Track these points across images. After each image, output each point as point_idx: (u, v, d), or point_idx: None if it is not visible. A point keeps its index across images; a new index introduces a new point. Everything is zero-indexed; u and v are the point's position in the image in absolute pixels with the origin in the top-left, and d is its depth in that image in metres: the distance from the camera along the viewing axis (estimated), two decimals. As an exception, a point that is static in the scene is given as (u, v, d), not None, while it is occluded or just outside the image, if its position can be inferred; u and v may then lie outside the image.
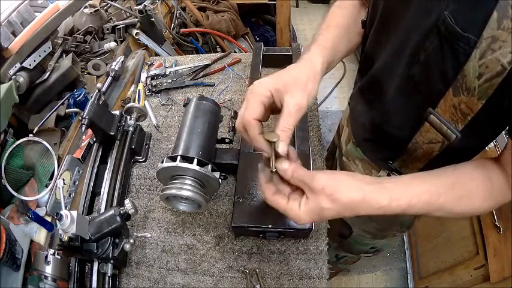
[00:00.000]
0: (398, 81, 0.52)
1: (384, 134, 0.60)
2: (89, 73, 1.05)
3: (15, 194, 0.72)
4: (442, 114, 0.46)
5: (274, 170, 0.47)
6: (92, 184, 0.77)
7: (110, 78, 0.91)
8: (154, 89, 0.99)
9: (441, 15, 0.41)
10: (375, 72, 0.59)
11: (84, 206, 0.74)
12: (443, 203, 0.46)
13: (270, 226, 0.64)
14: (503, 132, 0.48)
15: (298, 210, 0.45)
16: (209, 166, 0.64)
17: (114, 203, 0.72)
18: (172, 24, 1.57)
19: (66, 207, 0.67)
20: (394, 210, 0.45)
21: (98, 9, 1.16)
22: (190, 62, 1.08)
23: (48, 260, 0.59)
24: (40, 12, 0.89)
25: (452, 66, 0.42)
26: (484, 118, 0.44)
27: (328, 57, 0.56)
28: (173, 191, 0.61)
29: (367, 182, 0.46)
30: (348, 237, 0.96)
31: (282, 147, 0.45)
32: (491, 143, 0.93)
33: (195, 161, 0.63)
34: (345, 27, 0.62)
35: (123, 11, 1.26)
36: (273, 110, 0.50)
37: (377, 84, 0.59)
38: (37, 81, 0.90)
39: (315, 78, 0.50)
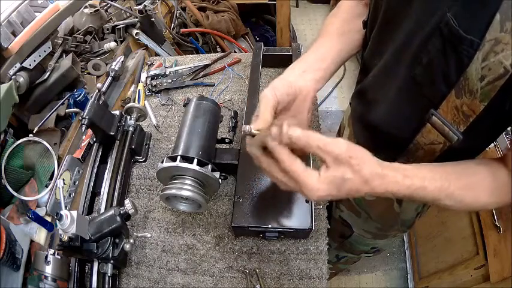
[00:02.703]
0: (400, 83, 0.52)
1: (385, 134, 0.60)
2: (89, 73, 1.05)
3: (15, 194, 0.72)
4: (443, 116, 0.46)
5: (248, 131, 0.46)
6: (92, 184, 0.77)
7: (110, 78, 0.91)
8: (154, 89, 0.99)
9: (444, 17, 0.40)
10: (376, 73, 0.59)
11: (84, 206, 0.74)
12: (453, 191, 0.46)
13: (270, 226, 0.64)
14: (504, 133, 0.48)
15: (318, 179, 0.43)
16: (209, 166, 0.64)
17: (114, 203, 0.72)
18: (172, 24, 1.57)
19: (66, 207, 0.67)
20: (406, 189, 0.45)
21: (98, 9, 1.16)
22: (190, 62, 1.08)
23: (48, 260, 0.59)
24: (40, 12, 0.89)
25: (455, 68, 0.42)
26: (486, 120, 0.44)
27: (306, 60, 0.60)
28: (173, 191, 0.61)
29: (380, 160, 0.46)
30: (348, 237, 0.96)
31: (294, 133, 0.45)
32: (491, 144, 0.93)
33: (195, 161, 0.63)
34: (334, 32, 0.64)
35: (123, 11, 1.26)
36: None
37: (378, 85, 0.59)
38: (37, 81, 0.90)
39: (285, 74, 0.57)
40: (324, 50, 0.61)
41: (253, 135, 0.48)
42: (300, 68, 0.58)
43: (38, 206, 0.76)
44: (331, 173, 0.43)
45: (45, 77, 0.91)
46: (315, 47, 0.62)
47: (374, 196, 0.47)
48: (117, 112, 0.82)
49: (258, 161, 0.49)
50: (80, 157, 0.82)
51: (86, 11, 1.14)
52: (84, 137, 0.86)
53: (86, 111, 0.72)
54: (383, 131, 0.60)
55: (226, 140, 0.82)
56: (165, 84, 1.00)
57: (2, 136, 0.78)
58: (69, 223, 0.54)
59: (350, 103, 0.81)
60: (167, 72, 1.02)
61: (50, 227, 0.70)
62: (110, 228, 0.61)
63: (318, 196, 0.44)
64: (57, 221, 0.54)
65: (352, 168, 0.43)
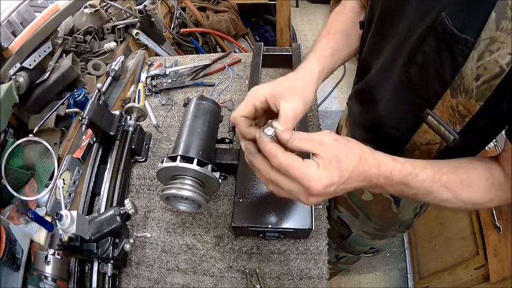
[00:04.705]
0: (395, 82, 0.52)
1: (382, 134, 0.60)
2: (89, 73, 1.05)
3: (15, 194, 0.72)
4: (439, 116, 0.46)
5: (272, 135, 0.44)
6: (92, 184, 0.76)
7: (110, 78, 0.91)
8: (154, 89, 0.99)
9: (438, 16, 0.40)
10: (372, 74, 0.59)
11: (84, 206, 0.74)
12: (447, 183, 0.46)
13: (270, 226, 0.64)
14: (503, 131, 0.48)
15: (318, 168, 0.40)
16: (209, 166, 0.64)
17: (114, 203, 0.72)
18: (172, 24, 1.57)
19: (66, 207, 0.67)
20: (398, 173, 0.44)
21: (98, 9, 1.16)
22: (190, 62, 1.08)
23: (48, 260, 0.59)
24: (40, 12, 0.89)
25: (450, 67, 0.42)
26: (482, 120, 0.44)
27: (326, 65, 0.57)
28: (173, 191, 0.61)
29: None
30: (347, 237, 0.96)
31: (278, 126, 0.45)
32: (491, 143, 0.93)
33: (195, 161, 0.63)
34: (344, 33, 0.62)
35: (123, 11, 1.26)
36: (270, 115, 0.51)
37: (375, 85, 0.59)
38: (37, 81, 0.90)
39: (311, 86, 0.53)
40: (331, 51, 0.60)
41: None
42: (317, 69, 0.56)
43: (38, 206, 0.76)
44: (325, 157, 0.41)
45: (45, 77, 0.91)
46: (325, 44, 0.60)
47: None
48: (117, 112, 0.82)
49: (253, 159, 0.46)
50: (80, 157, 0.82)
51: (86, 11, 1.14)
52: (84, 137, 0.86)
53: (86, 111, 0.71)
54: (380, 131, 0.60)
55: (226, 140, 0.82)
56: (165, 84, 1.00)
57: (2, 136, 0.78)
58: (69, 223, 0.54)
59: (347, 104, 0.81)
60: (167, 72, 1.03)
61: (50, 227, 0.70)
62: (110, 228, 0.61)
63: (322, 185, 0.40)
64: (57, 221, 0.54)
65: (343, 148, 0.42)
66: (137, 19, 1.21)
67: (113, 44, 1.08)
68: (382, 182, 0.45)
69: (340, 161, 0.41)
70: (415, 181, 0.45)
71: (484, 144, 0.55)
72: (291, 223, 0.64)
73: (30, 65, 0.86)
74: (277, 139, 0.44)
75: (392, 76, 0.52)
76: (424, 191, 0.46)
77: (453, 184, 0.46)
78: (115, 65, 0.93)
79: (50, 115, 0.86)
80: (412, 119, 0.50)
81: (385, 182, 0.45)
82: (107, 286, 0.62)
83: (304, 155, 0.43)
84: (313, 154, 0.42)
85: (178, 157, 0.63)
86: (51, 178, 0.78)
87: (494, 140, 0.87)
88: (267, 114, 0.52)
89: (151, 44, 1.25)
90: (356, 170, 0.43)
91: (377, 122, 0.60)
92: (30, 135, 0.80)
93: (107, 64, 1.07)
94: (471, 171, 0.48)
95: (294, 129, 0.48)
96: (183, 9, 1.69)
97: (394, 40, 0.50)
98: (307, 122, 0.83)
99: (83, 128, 0.71)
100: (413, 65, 0.46)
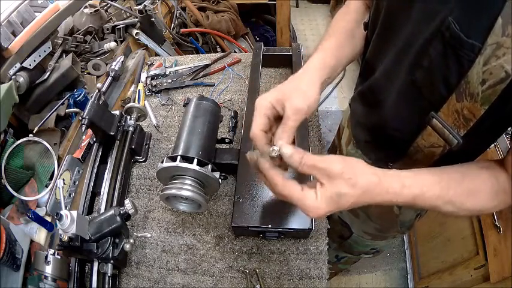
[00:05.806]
0: (400, 85, 0.52)
1: (385, 136, 0.60)
2: (89, 73, 1.05)
3: (15, 194, 0.72)
4: (444, 119, 0.46)
5: (277, 155, 0.44)
6: (92, 184, 0.77)
7: (110, 78, 0.91)
8: (154, 89, 0.99)
9: (445, 20, 0.40)
10: (376, 76, 0.59)
11: (84, 206, 0.74)
12: (453, 197, 0.46)
13: (270, 226, 0.64)
14: (504, 135, 0.48)
15: (316, 199, 0.42)
16: (209, 166, 0.64)
17: (114, 203, 0.72)
18: (172, 24, 1.57)
19: (66, 207, 0.67)
20: (405, 197, 0.44)
21: (98, 9, 1.16)
22: (190, 62, 1.08)
23: (48, 260, 0.59)
24: (40, 12, 0.90)
25: (456, 72, 0.42)
26: (486, 124, 0.44)
27: (329, 66, 0.57)
28: (173, 191, 0.61)
29: (377, 169, 0.45)
30: (347, 238, 0.96)
31: (286, 150, 0.44)
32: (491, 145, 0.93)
33: (195, 161, 0.63)
34: (348, 33, 0.62)
35: (123, 11, 1.26)
36: (278, 118, 0.51)
37: (379, 87, 0.59)
38: (37, 81, 0.90)
39: (314, 86, 0.52)
40: (335, 51, 0.59)
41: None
42: (323, 75, 0.55)
43: (38, 206, 0.76)
44: (327, 190, 0.42)
45: (45, 77, 0.91)
46: (329, 44, 0.59)
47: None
48: (117, 112, 0.82)
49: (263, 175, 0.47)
50: (80, 157, 0.82)
51: (86, 11, 1.14)
52: (84, 137, 0.86)
53: (86, 111, 0.71)
54: (383, 133, 0.60)
55: (226, 140, 0.82)
56: (165, 84, 1.00)
57: (2, 136, 0.78)
58: (69, 223, 0.54)
59: (349, 104, 0.81)
60: (167, 72, 1.03)
61: (50, 227, 0.70)
62: (110, 228, 0.61)
63: (318, 214, 0.43)
64: (57, 221, 0.54)
65: (347, 182, 0.42)
66: (137, 19, 1.21)
67: (113, 44, 1.08)
68: (388, 203, 0.46)
69: (340, 197, 0.42)
70: (421, 200, 0.46)
71: (485, 147, 0.55)
72: (291, 223, 0.64)
73: (30, 65, 0.86)
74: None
75: (397, 78, 0.52)
76: (429, 206, 0.47)
77: (459, 197, 0.46)
78: (115, 65, 0.93)
79: (50, 115, 0.86)
80: (416, 122, 0.50)
81: (391, 203, 0.46)
82: (107, 286, 0.62)
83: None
84: (318, 180, 0.43)
85: (178, 157, 0.63)
86: (51, 178, 0.78)
87: (494, 142, 0.87)
88: (279, 120, 0.51)
89: (151, 44, 1.25)
90: (356, 201, 0.43)
91: (380, 123, 0.60)
92: (30, 135, 0.80)
93: (107, 64, 1.07)
94: (476, 179, 0.48)
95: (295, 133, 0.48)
96: (183, 9, 1.69)
97: (399, 42, 0.50)
98: (307, 122, 0.83)
99: (83, 128, 0.71)
100: (419, 68, 0.46)
